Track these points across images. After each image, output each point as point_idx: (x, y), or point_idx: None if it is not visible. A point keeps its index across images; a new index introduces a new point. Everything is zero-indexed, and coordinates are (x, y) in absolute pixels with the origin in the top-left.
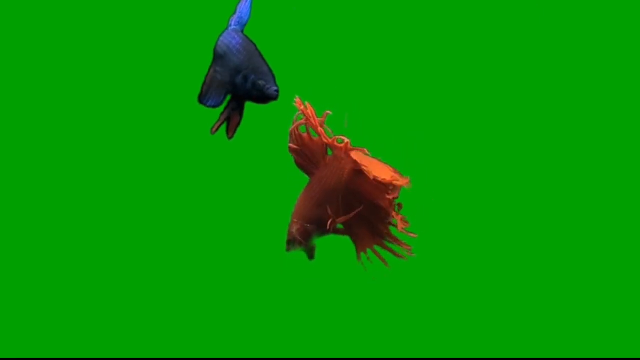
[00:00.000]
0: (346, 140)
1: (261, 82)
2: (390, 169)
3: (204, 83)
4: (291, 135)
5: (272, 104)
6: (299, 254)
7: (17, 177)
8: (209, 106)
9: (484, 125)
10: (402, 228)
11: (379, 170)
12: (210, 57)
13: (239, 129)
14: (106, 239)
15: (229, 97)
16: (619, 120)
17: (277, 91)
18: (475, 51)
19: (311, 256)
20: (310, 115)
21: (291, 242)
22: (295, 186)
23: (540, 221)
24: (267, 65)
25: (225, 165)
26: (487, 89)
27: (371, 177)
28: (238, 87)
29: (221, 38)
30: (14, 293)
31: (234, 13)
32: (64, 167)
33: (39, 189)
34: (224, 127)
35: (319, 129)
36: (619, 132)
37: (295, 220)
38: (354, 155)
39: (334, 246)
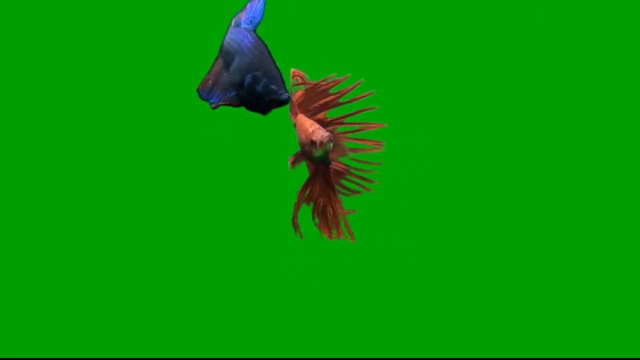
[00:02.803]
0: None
1: (273, 87)
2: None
3: (208, 79)
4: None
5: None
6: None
7: (15, 174)
8: (212, 103)
9: (483, 124)
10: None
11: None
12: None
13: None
14: (98, 234)
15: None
16: (619, 120)
17: (289, 97)
18: (472, 50)
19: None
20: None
21: (327, 143)
22: (290, 185)
23: (537, 220)
24: (278, 69)
25: (219, 163)
26: (485, 88)
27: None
28: (247, 88)
29: (230, 36)
30: (13, 293)
31: (244, 11)
32: (55, 162)
33: (26, 181)
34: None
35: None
36: (619, 132)
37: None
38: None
39: (332, 245)
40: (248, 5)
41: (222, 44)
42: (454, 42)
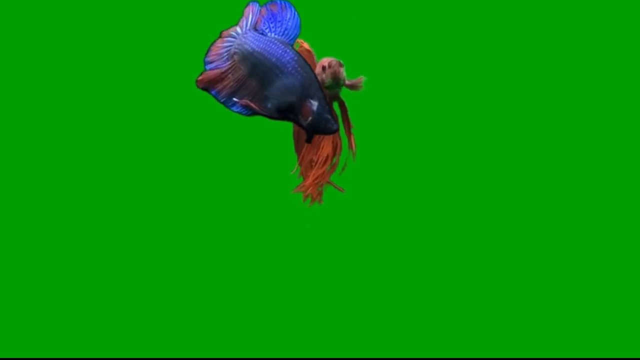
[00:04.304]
0: None
1: (328, 116)
2: None
3: (222, 80)
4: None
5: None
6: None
7: (16, 176)
8: (234, 111)
9: (482, 124)
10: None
11: None
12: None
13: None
14: (97, 233)
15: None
16: (619, 120)
17: (338, 128)
18: (472, 51)
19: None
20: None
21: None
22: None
23: (538, 220)
24: (323, 92)
25: (213, 163)
26: (484, 87)
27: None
28: (315, 117)
29: (259, 45)
30: (13, 293)
31: (259, 15)
32: (52, 161)
33: (26, 181)
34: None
35: None
36: (619, 132)
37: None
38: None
39: (330, 244)
40: (265, 10)
41: (246, 50)
42: (452, 41)
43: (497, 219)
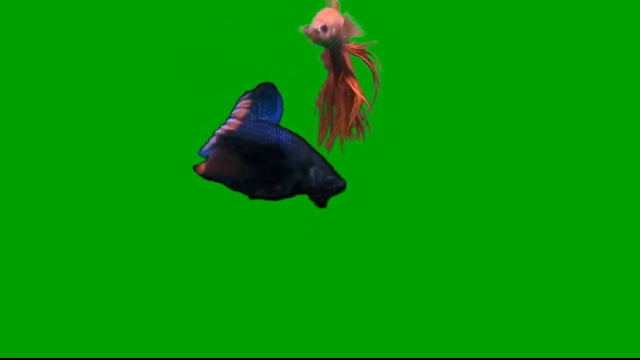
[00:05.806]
0: None
1: (331, 177)
2: None
3: (221, 167)
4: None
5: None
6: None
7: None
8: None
9: (482, 124)
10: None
11: None
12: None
13: None
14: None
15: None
16: (619, 120)
17: (346, 183)
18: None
19: None
20: None
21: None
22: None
23: (538, 221)
24: (323, 157)
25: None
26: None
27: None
28: (316, 184)
29: (247, 130)
30: (13, 293)
31: (258, 111)
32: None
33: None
34: None
35: None
36: (619, 132)
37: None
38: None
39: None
40: (258, 104)
41: (232, 134)
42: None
43: (500, 218)
